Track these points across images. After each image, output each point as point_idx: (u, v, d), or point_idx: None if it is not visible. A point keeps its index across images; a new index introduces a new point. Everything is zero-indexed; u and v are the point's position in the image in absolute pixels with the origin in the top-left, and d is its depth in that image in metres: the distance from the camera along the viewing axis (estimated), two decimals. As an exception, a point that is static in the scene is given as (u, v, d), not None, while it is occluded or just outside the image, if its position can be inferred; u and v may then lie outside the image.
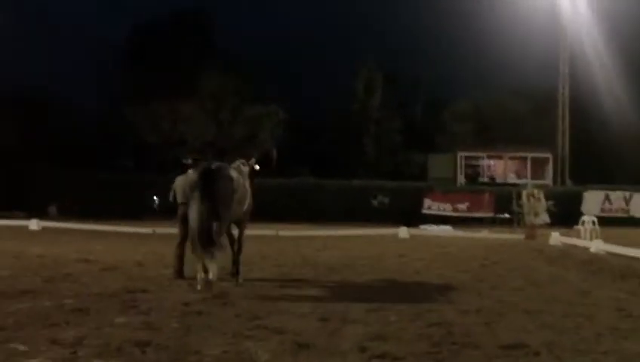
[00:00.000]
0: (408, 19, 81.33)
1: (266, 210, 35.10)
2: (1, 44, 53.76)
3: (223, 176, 12.71)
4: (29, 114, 56.31)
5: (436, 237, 32.23)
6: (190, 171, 13.70)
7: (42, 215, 40.18)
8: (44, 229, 32.20)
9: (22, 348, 7.68)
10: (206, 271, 12.20)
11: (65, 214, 42.93)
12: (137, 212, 44.79)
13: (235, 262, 13.90)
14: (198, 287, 12.15)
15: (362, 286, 13.41)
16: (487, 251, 23.21)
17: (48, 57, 68.28)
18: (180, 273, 13.96)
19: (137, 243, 24.86)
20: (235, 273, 13.72)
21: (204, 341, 8.10)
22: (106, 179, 48.77)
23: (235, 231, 14.14)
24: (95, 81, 65.62)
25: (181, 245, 14.15)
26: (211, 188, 12.20)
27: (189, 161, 14.29)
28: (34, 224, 32.71)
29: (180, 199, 14.04)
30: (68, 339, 8.05)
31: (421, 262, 18.50)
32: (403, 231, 32.14)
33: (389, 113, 66.12)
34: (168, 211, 40.28)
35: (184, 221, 13.46)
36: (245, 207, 13.74)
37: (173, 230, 28.85)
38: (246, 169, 14.37)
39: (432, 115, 66.81)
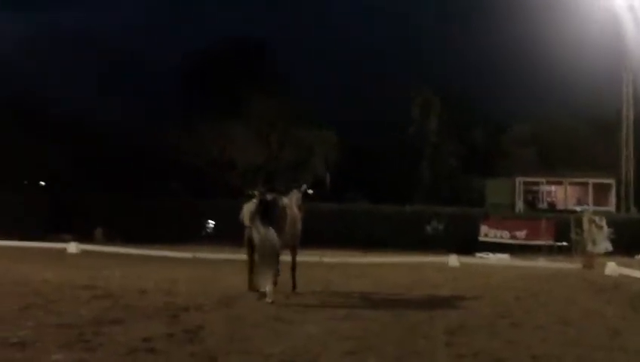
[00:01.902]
0: (468, 42, 79.60)
1: (317, 236, 34.09)
2: (56, 68, 54.23)
3: (277, 205, 14.99)
4: (79, 139, 56.56)
5: (487, 266, 30.61)
6: (253, 201, 15.63)
7: (88, 239, 40.03)
8: (83, 252, 31.68)
9: None
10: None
11: (111, 239, 42.35)
12: (185, 236, 44.10)
13: (292, 279, 16.19)
14: (268, 300, 13.82)
15: (361, 322, 11.72)
16: (534, 281, 21.69)
17: (102, 83, 68.38)
18: (250, 285, 15.79)
19: (166, 268, 23.80)
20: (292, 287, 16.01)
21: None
22: (153, 204, 48.25)
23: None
24: (150, 107, 65.45)
25: (250, 261, 16.07)
26: (268, 214, 14.49)
27: (255, 193, 16.37)
28: (72, 247, 32.30)
29: (246, 223, 15.85)
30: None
31: (452, 294, 16.90)
32: (453, 260, 30.69)
33: (447, 137, 64.58)
34: (220, 236, 39.81)
35: (250, 241, 15.70)
36: (297, 228, 16.03)
37: (215, 255, 28.75)
38: (297, 196, 16.59)
39: (493, 139, 64.93)
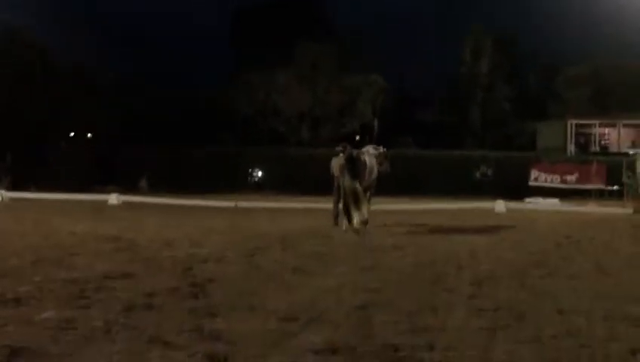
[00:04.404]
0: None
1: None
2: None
3: (360, 159, 18.34)
4: (135, 99, 57.15)
5: (534, 212, 29.76)
6: (340, 155, 19.03)
7: (134, 189, 40.26)
8: (124, 204, 31.68)
9: None
10: (350, 221, 17.52)
11: (156, 189, 42.40)
12: (233, 185, 44.03)
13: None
14: (344, 228, 17.94)
15: (383, 274, 10.92)
16: (579, 227, 20.84)
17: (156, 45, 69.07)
18: (335, 220, 19.87)
19: (205, 218, 23.58)
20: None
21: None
22: (200, 153, 48.20)
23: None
24: (199, 60, 65.75)
25: (336, 204, 19.92)
26: (354, 167, 17.90)
27: (340, 148, 19.45)
28: (113, 198, 32.39)
29: (335, 173, 19.57)
30: None
31: (489, 242, 16.20)
32: (499, 206, 29.89)
33: (499, 80, 63.22)
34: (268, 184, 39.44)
35: (338, 188, 19.13)
36: (373, 177, 19.04)
37: (258, 203, 28.69)
38: (375, 151, 19.91)
39: (546, 81, 63.36)
